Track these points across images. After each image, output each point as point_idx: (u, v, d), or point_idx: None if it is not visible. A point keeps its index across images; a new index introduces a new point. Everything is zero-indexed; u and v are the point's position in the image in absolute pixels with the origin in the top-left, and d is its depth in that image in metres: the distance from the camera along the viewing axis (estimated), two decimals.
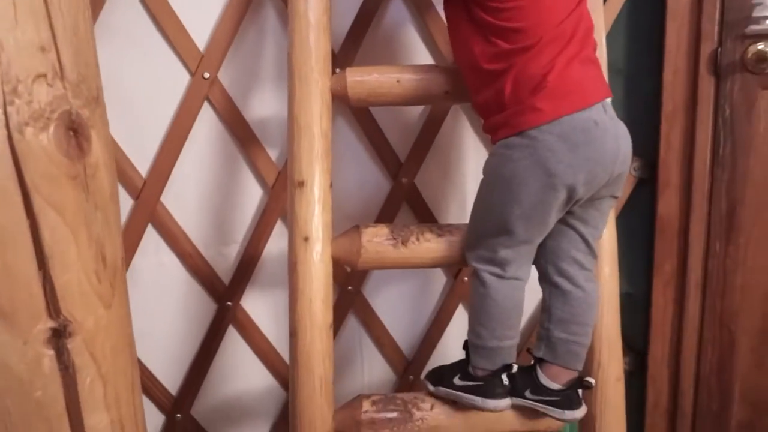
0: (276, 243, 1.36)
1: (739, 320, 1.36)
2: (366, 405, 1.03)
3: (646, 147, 1.36)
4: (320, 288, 1.01)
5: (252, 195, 1.35)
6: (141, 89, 1.26)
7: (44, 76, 0.59)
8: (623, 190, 1.37)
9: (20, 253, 0.59)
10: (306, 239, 1.00)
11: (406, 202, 1.38)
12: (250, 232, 1.36)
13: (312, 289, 1.00)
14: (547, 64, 0.89)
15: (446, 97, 1.07)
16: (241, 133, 1.31)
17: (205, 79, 1.27)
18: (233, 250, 1.37)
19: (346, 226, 1.10)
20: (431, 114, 1.36)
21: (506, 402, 0.99)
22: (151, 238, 1.33)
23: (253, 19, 1.29)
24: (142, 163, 1.29)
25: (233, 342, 1.42)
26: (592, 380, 1.00)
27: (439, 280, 1.47)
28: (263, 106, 1.32)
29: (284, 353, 1.40)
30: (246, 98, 1.32)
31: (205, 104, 1.29)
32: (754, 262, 1.33)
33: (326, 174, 1.03)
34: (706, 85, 1.28)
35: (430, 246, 1.05)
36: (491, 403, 0.99)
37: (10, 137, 0.57)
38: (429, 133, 1.36)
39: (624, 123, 0.97)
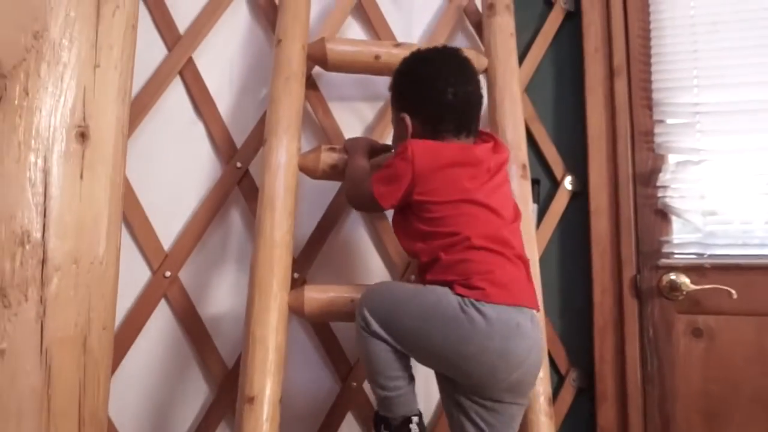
0: None
1: None
2: None
3: (583, 358, 1.44)
4: None
5: (198, 394, 1.32)
6: None
7: None
8: (565, 401, 1.44)
9: None
10: None
11: (354, 408, 1.38)
12: None
13: None
14: (480, 261, 0.99)
15: None
16: (195, 330, 1.33)
17: (165, 277, 1.31)
18: None
19: (292, 427, 1.07)
20: None
21: None
22: None
23: (219, 223, 1.38)
24: None
25: None
26: None
27: None
28: (219, 304, 1.36)
29: None
30: (203, 296, 1.35)
31: (162, 301, 1.32)
32: None
33: (277, 389, 1.04)
34: (631, 306, 1.42)
35: None
36: None
37: None
38: None
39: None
